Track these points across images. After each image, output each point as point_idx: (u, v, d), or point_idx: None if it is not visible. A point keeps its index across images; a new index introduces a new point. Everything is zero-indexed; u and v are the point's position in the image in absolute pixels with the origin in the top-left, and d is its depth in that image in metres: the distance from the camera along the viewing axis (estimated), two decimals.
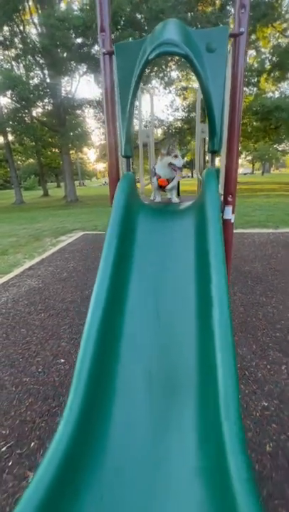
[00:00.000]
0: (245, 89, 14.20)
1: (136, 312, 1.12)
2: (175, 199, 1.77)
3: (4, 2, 11.32)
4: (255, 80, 14.78)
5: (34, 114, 16.04)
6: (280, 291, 2.64)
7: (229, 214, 1.56)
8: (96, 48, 13.03)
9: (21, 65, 14.65)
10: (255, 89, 15.20)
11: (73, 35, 11.82)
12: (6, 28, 13.05)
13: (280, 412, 1.37)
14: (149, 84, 13.98)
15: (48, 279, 3.22)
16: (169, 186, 1.71)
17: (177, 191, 1.90)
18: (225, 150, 1.50)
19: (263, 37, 14.77)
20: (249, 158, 44.34)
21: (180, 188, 2.05)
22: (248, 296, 2.57)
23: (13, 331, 2.20)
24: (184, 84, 16.92)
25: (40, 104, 15.14)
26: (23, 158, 29.66)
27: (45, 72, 14.49)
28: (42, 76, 14.66)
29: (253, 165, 54.73)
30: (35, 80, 14.57)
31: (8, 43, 13.31)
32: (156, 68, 13.51)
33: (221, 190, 1.54)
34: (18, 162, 31.70)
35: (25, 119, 15.44)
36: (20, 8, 12.92)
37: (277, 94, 15.81)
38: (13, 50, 14.07)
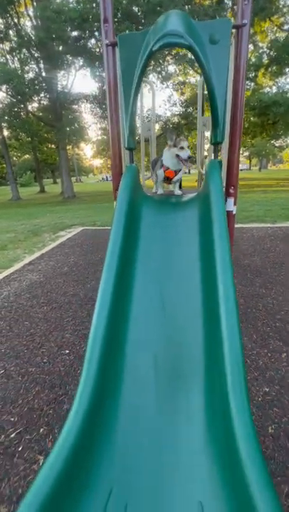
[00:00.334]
0: None
1: (142, 305, 1.14)
2: (178, 191, 1.78)
3: None
4: (253, 74, 14.71)
5: (30, 108, 15.84)
6: (279, 283, 2.69)
7: (231, 205, 1.58)
8: (92, 41, 12.87)
9: (16, 58, 14.46)
10: (252, 84, 15.13)
11: (69, 28, 11.64)
12: (0, 21, 12.80)
13: (281, 397, 1.41)
14: (147, 79, 13.84)
15: (49, 274, 3.24)
16: (175, 178, 1.72)
17: (180, 184, 1.92)
18: (227, 142, 1.52)
19: (260, 31, 14.65)
20: (246, 154, 44.31)
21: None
22: (248, 288, 2.62)
23: (16, 323, 2.22)
24: (181, 78, 16.82)
25: (36, 98, 14.94)
26: (19, 154, 29.38)
27: (41, 65, 14.29)
28: (37, 70, 14.46)
29: (250, 161, 54.71)
30: (31, 74, 14.40)
31: (2, 35, 13.06)
32: (153, 62, 13.37)
33: (223, 182, 1.57)
34: (14, 158, 31.40)
35: (21, 113, 15.26)
36: (16, 0, 12.67)
37: (274, 89, 15.77)
38: (7, 44, 13.83)
